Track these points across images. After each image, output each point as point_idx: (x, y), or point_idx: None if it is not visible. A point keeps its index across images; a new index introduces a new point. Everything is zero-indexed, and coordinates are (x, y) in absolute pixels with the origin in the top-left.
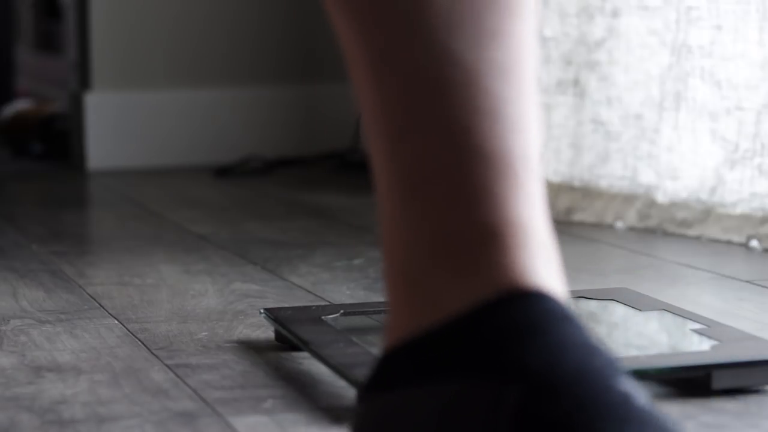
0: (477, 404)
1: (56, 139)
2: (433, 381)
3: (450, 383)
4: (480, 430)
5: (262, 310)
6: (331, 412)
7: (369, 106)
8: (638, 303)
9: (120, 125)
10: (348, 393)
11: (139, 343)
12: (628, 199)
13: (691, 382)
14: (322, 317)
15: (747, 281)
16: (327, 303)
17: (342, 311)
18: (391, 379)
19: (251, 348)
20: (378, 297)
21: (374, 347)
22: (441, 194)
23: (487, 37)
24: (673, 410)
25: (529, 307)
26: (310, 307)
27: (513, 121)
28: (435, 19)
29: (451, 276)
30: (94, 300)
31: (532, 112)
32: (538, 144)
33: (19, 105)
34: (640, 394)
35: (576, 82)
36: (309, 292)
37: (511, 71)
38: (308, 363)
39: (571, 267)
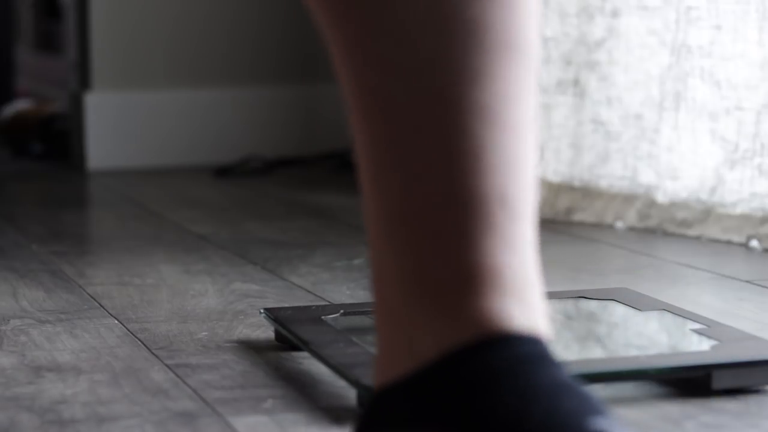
0: None
1: (56, 139)
2: (407, 429)
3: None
4: None
5: (262, 310)
6: (331, 412)
7: (357, 139)
8: (638, 303)
9: (120, 125)
10: (348, 393)
11: (139, 343)
12: (628, 199)
13: (691, 382)
14: (322, 317)
15: (747, 281)
16: (327, 303)
17: (342, 311)
18: (375, 424)
19: (251, 348)
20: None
21: (374, 347)
22: (418, 234)
23: (471, 77)
24: (673, 410)
25: (498, 352)
26: (310, 307)
27: (492, 163)
28: (419, 56)
29: (427, 319)
30: (94, 300)
31: (518, 153)
32: (527, 183)
33: (19, 105)
34: (617, 431)
35: (576, 82)
36: (309, 292)
37: (494, 113)
38: (308, 363)
39: (571, 267)
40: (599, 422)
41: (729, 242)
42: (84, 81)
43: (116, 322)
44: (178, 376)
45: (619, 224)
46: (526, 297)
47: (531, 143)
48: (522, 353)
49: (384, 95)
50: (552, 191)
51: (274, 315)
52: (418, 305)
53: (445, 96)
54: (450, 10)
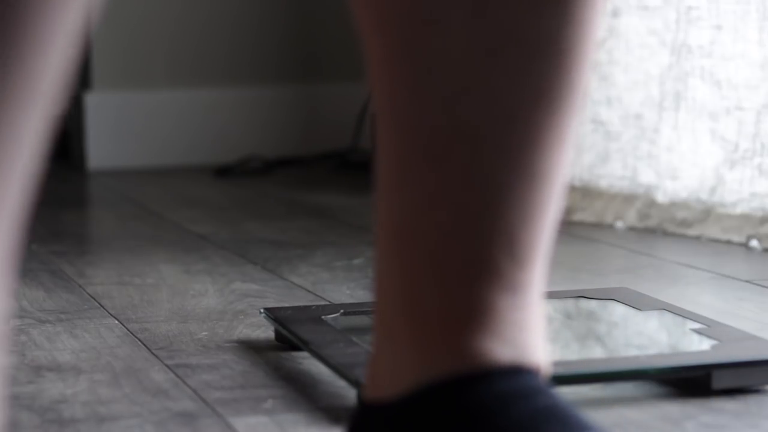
0: None
1: (56, 139)
2: None
3: None
4: None
5: (262, 310)
6: (331, 412)
7: (380, 148)
8: (638, 302)
9: (120, 125)
10: (348, 393)
11: (139, 343)
12: (628, 199)
13: (691, 381)
14: (322, 317)
15: (747, 281)
16: (327, 303)
17: (342, 311)
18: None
19: (251, 348)
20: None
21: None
22: (420, 258)
23: (504, 118)
24: (673, 410)
25: (477, 388)
26: (310, 306)
27: (506, 207)
28: (453, 86)
29: (412, 345)
30: (94, 300)
31: (538, 200)
32: (541, 230)
33: None
34: None
35: None
36: (309, 291)
37: (519, 158)
38: (308, 363)
39: (571, 267)
40: None
41: (729, 242)
42: (84, 81)
43: (116, 322)
44: (178, 376)
45: (619, 224)
46: (516, 338)
47: (556, 191)
48: (502, 389)
49: (412, 115)
50: None
51: (274, 315)
52: (406, 328)
53: (472, 131)
54: (493, 45)
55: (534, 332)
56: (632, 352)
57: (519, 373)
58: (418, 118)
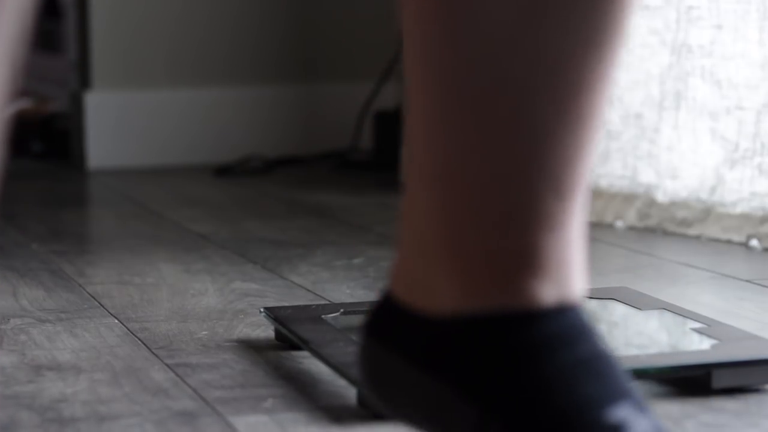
0: (461, 420)
1: (56, 139)
2: (440, 370)
3: (443, 381)
4: None
5: (262, 309)
6: (331, 411)
7: (419, 89)
8: (638, 302)
9: (120, 125)
10: (348, 392)
11: (139, 342)
12: (628, 198)
13: (691, 381)
14: (322, 316)
15: (747, 280)
16: (327, 302)
17: (342, 310)
18: (383, 329)
19: (251, 347)
20: (378, 296)
21: None
22: (466, 195)
23: (548, 61)
24: (673, 410)
25: (520, 330)
26: (310, 306)
27: (552, 147)
28: (496, 37)
29: (455, 273)
30: (94, 299)
31: (580, 142)
32: (583, 171)
33: (20, 104)
34: (638, 422)
35: None
36: (309, 291)
37: (565, 101)
38: (308, 362)
39: None
40: (618, 412)
41: (729, 241)
42: (84, 80)
43: (116, 321)
44: (178, 375)
45: (619, 223)
46: (560, 276)
47: (596, 133)
48: (549, 331)
49: (456, 68)
50: None
51: (274, 314)
52: (447, 259)
53: (519, 83)
54: None
55: (576, 267)
56: (632, 352)
57: (564, 312)
58: (464, 72)
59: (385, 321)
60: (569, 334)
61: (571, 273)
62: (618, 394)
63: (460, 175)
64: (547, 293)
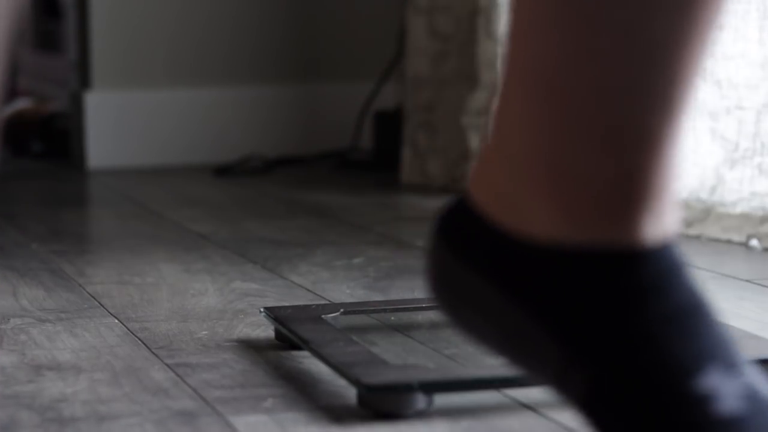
0: (542, 356)
1: (56, 138)
2: (529, 299)
3: (530, 312)
4: (549, 383)
5: (262, 309)
6: (331, 411)
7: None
8: None
9: (120, 125)
10: (348, 392)
11: (139, 342)
12: None
13: None
14: (322, 316)
15: (747, 280)
16: (327, 302)
17: (342, 310)
18: (477, 252)
19: (251, 347)
20: (378, 296)
21: (374, 346)
22: (567, 115)
23: (658, 7)
24: None
25: (624, 272)
26: (310, 306)
27: (656, 91)
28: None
29: (551, 201)
30: (94, 299)
31: (680, 87)
32: (691, 85)
33: (20, 104)
34: (728, 391)
35: None
36: (309, 291)
37: (668, 46)
38: (308, 362)
39: None
40: (706, 380)
41: (729, 241)
42: (84, 80)
43: (116, 321)
44: (178, 375)
45: None
46: (661, 207)
47: (706, 53)
48: (655, 271)
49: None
50: None
51: (274, 314)
52: (546, 179)
53: (635, 23)
54: None
55: (672, 195)
56: None
57: (666, 249)
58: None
59: (463, 228)
60: (673, 274)
61: (669, 203)
62: (708, 356)
63: (566, 81)
64: (652, 229)
